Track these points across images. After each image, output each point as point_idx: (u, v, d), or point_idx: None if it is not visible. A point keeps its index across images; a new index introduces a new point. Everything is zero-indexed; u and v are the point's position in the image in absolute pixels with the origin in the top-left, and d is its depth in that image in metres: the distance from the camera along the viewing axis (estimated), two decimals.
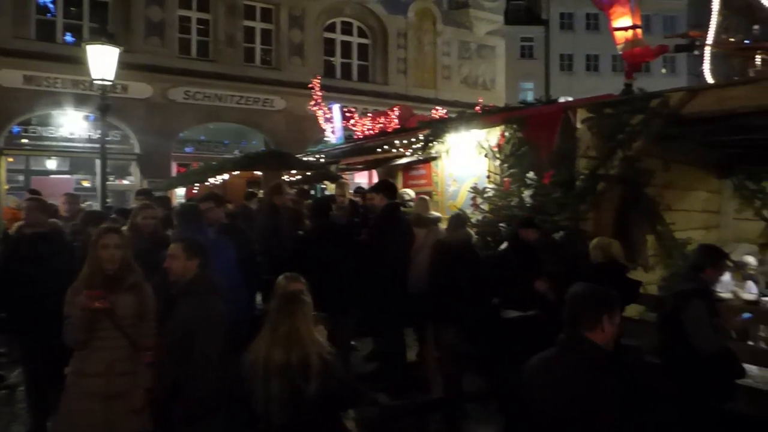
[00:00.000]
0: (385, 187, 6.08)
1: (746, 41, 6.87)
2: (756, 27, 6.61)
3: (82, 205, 8.56)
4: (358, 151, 10.50)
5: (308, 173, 10.18)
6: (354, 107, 15.58)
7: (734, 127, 5.68)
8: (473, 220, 7.33)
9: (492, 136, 7.57)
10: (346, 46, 19.85)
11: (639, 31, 7.69)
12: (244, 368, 2.81)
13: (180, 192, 15.11)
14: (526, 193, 6.73)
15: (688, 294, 4.04)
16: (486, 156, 7.53)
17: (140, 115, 16.03)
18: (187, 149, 17.85)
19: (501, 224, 6.65)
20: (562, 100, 8.60)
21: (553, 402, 2.58)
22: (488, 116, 8.39)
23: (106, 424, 3.20)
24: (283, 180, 9.07)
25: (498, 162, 7.35)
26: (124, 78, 14.06)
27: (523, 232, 5.43)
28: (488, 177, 7.49)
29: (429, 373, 5.96)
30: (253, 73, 17.70)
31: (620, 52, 7.92)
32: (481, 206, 7.28)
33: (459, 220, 5.86)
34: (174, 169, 16.85)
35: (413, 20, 20.25)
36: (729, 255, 5.01)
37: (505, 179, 7.16)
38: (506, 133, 7.30)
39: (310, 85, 14.36)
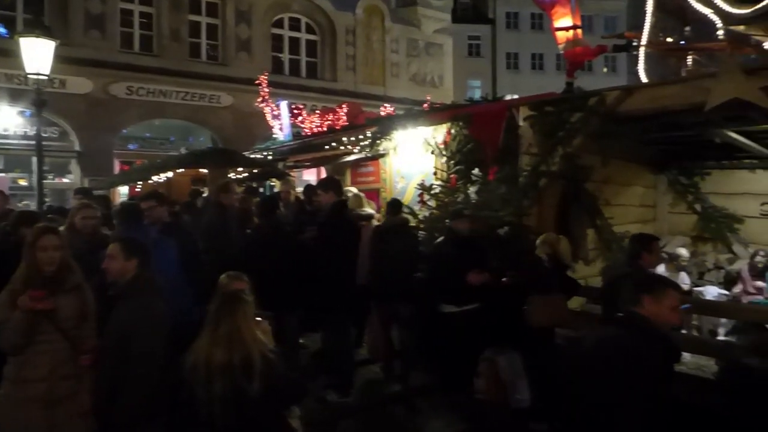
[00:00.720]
0: (333, 184, 6.07)
1: (681, 42, 7.18)
2: (687, 28, 6.91)
3: (19, 205, 8.21)
4: (306, 148, 10.45)
5: (255, 171, 10.05)
6: (302, 104, 15.47)
7: (667, 124, 5.93)
8: (420, 217, 7.42)
9: (439, 133, 7.67)
10: (295, 43, 19.67)
11: (579, 31, 7.88)
12: (185, 370, 2.76)
13: (123, 191, 14.68)
14: (472, 190, 6.85)
15: (624, 277, 4.23)
16: (433, 153, 7.62)
17: (80, 110, 15.46)
18: (131, 146, 17.34)
19: (447, 220, 6.74)
20: (508, 97, 8.78)
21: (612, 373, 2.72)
22: (435, 113, 8.49)
23: (50, 431, 3.10)
24: (231, 178, 8.93)
25: (444, 159, 7.45)
26: (63, 72, 13.54)
27: (455, 224, 5.52)
28: (435, 174, 7.58)
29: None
30: (198, 69, 17.33)
31: (562, 52, 8.11)
32: (428, 203, 7.36)
33: (395, 205, 6.28)
34: (117, 167, 16.33)
35: (361, 17, 20.24)
36: (659, 239, 5.23)
37: (452, 176, 7.27)
38: (452, 131, 7.41)
39: (257, 82, 14.16)
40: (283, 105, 12.73)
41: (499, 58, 34.69)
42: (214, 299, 2.95)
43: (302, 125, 12.30)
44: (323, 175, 10.94)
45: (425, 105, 12.14)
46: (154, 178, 10.32)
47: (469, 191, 6.91)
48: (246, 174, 10.16)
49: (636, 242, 4.57)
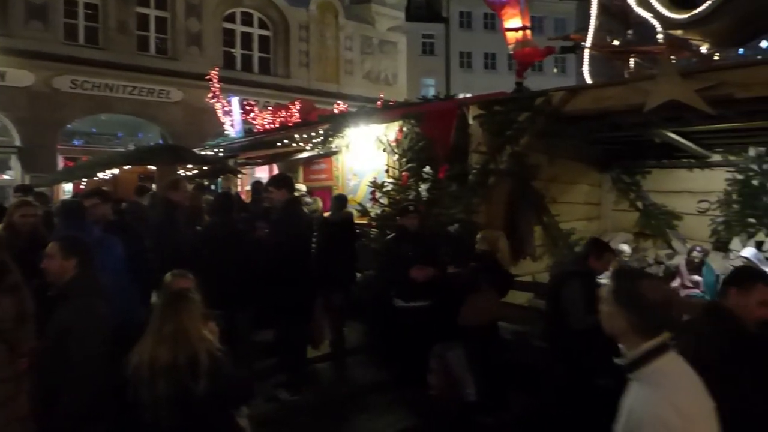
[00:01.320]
0: (286, 181, 6.02)
1: (628, 44, 7.42)
2: (630, 32, 7.15)
3: None
4: (258, 145, 10.36)
5: (205, 168, 9.90)
6: (255, 100, 15.26)
7: (610, 124, 6.12)
8: (372, 214, 7.47)
9: (391, 131, 7.73)
10: (247, 38, 19.40)
11: (528, 32, 8.05)
12: (129, 371, 2.71)
13: (68, 188, 14.19)
14: (423, 187, 6.93)
15: (569, 274, 4.37)
16: (385, 151, 7.67)
17: (21, 104, 14.87)
18: (76, 142, 16.77)
19: (398, 217, 6.79)
20: (462, 96, 8.89)
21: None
22: (387, 111, 8.54)
23: None
24: (181, 175, 8.77)
25: (396, 156, 7.51)
26: (2, 64, 13.00)
27: (403, 220, 5.59)
28: (387, 171, 7.63)
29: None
30: (147, 63, 16.89)
31: (511, 52, 8.26)
32: (380, 200, 7.41)
33: (340, 200, 6.85)
34: (61, 164, 15.77)
35: (315, 13, 20.12)
36: (614, 251, 5.41)
37: (403, 173, 7.34)
38: (404, 128, 7.47)
39: (208, 77, 13.92)
40: (235, 101, 12.56)
41: (453, 57, 34.97)
42: (158, 298, 2.91)
43: (254, 122, 12.15)
44: (276, 172, 10.86)
45: (379, 103, 12.18)
46: (100, 174, 10.03)
47: (420, 189, 6.99)
48: (196, 171, 9.99)
49: (589, 245, 4.70)
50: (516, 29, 7.99)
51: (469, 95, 9.02)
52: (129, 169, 9.60)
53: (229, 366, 2.87)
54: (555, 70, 32.40)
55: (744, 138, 7.32)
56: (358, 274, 7.31)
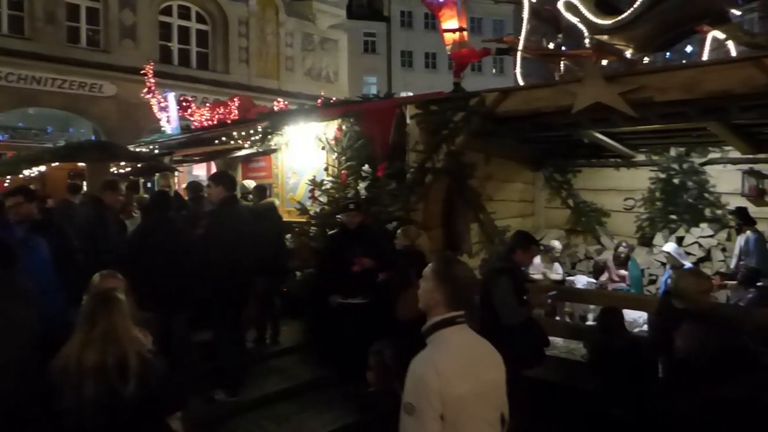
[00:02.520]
0: (225, 178, 5.92)
1: (562, 47, 7.68)
2: (560, 36, 7.42)
3: None
4: (196, 142, 10.14)
5: (139, 165, 9.61)
6: (193, 96, 14.94)
7: (541, 125, 6.34)
8: (312, 212, 7.46)
9: (330, 129, 7.73)
10: (184, 32, 18.90)
11: (465, 33, 8.21)
12: (54, 375, 2.63)
13: None
14: (362, 185, 6.98)
15: (498, 271, 4.51)
16: (324, 149, 7.67)
17: None
18: (0, 137, 15.92)
19: (338, 216, 6.82)
20: (403, 95, 9.00)
21: None
22: (327, 109, 8.55)
23: None
24: (116, 177, 8.49)
25: (335, 155, 7.53)
26: None
27: (343, 218, 5.63)
28: (326, 170, 7.64)
29: None
30: (77, 55, 16.20)
31: (449, 53, 8.41)
32: (320, 198, 7.41)
33: (261, 190, 7.25)
34: None
35: (255, 9, 19.81)
36: (539, 241, 5.61)
37: (342, 171, 7.36)
38: (344, 127, 7.50)
39: (143, 71, 13.50)
40: (171, 96, 12.24)
41: (394, 55, 35.48)
42: (85, 299, 2.83)
43: (191, 118, 11.89)
44: (214, 170, 10.67)
45: (319, 101, 12.15)
46: (26, 172, 9.58)
47: (359, 187, 7.04)
48: (129, 168, 9.69)
49: (516, 238, 4.83)
50: (453, 30, 8.14)
51: (410, 94, 9.15)
52: (58, 166, 9.22)
53: (161, 368, 2.82)
54: (494, 71, 33.07)
55: (665, 139, 7.74)
56: (298, 273, 7.31)
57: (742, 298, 5.95)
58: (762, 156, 7.48)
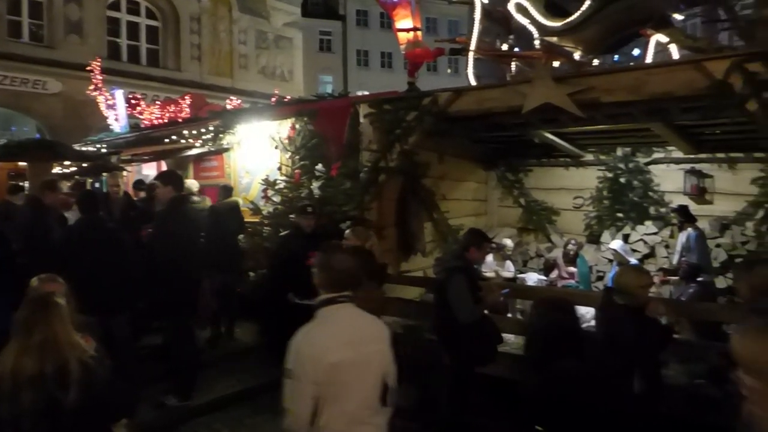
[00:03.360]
0: (173, 178, 5.79)
1: (515, 49, 7.79)
2: (511, 37, 7.53)
3: None
4: (145, 141, 9.89)
5: (84, 164, 9.31)
6: (143, 93, 14.56)
7: (492, 124, 6.43)
8: (265, 212, 7.38)
9: (284, 128, 7.66)
10: (133, 27, 18.39)
11: (419, 33, 8.24)
12: None
13: None
14: (315, 185, 6.94)
15: (452, 270, 4.55)
16: (277, 148, 7.59)
17: None
18: None
19: (292, 216, 6.77)
20: (359, 93, 8.97)
21: None
22: (280, 108, 8.46)
23: None
24: (57, 175, 8.20)
25: (289, 154, 7.47)
26: None
27: (299, 220, 5.58)
28: (280, 169, 7.56)
29: None
30: (20, 51, 15.54)
31: (403, 52, 8.43)
32: (273, 198, 7.34)
33: (227, 189, 7.40)
34: None
35: (207, 5, 19.43)
36: (491, 238, 5.69)
37: (296, 171, 7.30)
38: (297, 126, 7.44)
39: (89, 68, 13.07)
40: (119, 94, 11.89)
41: (350, 54, 35.23)
42: (23, 305, 2.72)
43: (141, 116, 11.57)
44: (164, 169, 10.43)
45: (273, 99, 12.00)
46: None
47: (312, 187, 7.00)
48: (74, 168, 9.37)
49: (469, 236, 4.88)
50: (407, 30, 8.16)
51: (366, 93, 9.13)
52: None
53: (104, 374, 2.74)
54: (449, 71, 33.38)
55: (612, 139, 7.96)
56: (251, 273, 7.23)
57: (684, 293, 6.19)
58: (703, 156, 7.77)
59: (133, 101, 11.98)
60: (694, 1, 7.31)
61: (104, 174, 9.66)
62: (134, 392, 4.98)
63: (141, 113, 11.63)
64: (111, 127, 12.17)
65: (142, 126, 11.25)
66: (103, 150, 10.10)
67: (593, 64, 7.30)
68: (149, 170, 12.04)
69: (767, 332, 1.67)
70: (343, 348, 2.56)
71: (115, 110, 11.85)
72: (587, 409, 2.49)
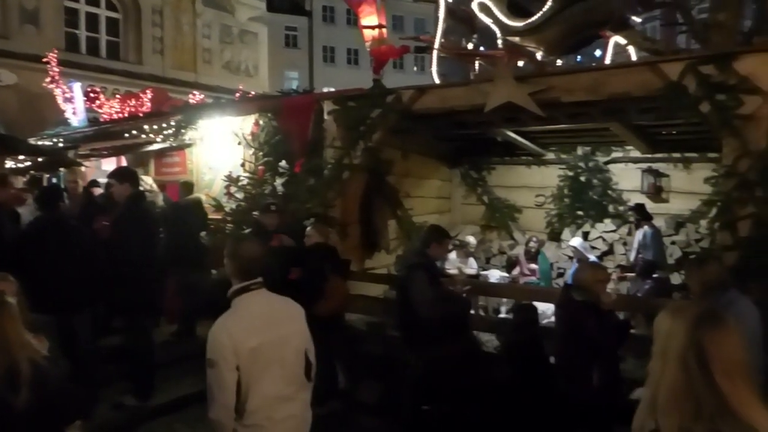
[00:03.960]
0: (128, 175, 5.67)
1: (480, 48, 7.87)
2: (475, 36, 7.61)
3: None
4: (104, 135, 9.66)
5: (40, 159, 9.04)
6: (103, 87, 14.19)
7: (455, 123, 6.49)
8: (227, 209, 7.30)
9: (247, 124, 7.58)
10: (93, 19, 17.89)
11: (384, 30, 8.24)
12: None
13: None
14: (279, 182, 6.90)
15: (413, 267, 4.58)
16: (240, 144, 7.51)
17: None
18: None
19: (255, 213, 6.71)
20: (325, 90, 8.92)
21: None
22: (243, 104, 8.38)
23: None
24: (8, 170, 7.94)
25: (252, 150, 7.40)
26: None
27: (263, 218, 5.54)
28: (243, 165, 7.48)
29: None
30: None
31: (368, 49, 8.43)
32: (236, 195, 7.27)
33: (188, 185, 7.32)
34: None
35: None
36: (450, 234, 5.73)
37: (260, 167, 7.24)
38: (261, 122, 7.37)
39: (46, 59, 12.68)
40: (77, 87, 11.59)
41: (316, 51, 35.22)
42: None
43: (100, 110, 11.30)
44: (124, 164, 10.21)
45: (237, 95, 11.85)
46: None
47: (276, 183, 6.95)
48: (29, 163, 9.09)
49: (429, 233, 4.92)
50: (372, 27, 8.16)
51: (332, 89, 9.10)
52: None
53: (58, 375, 2.68)
54: (415, 69, 33.46)
55: (573, 138, 8.12)
56: (214, 271, 7.15)
57: (640, 289, 6.35)
58: (659, 156, 7.98)
59: (91, 95, 11.70)
60: (652, 4, 7.49)
61: (61, 169, 9.39)
62: (91, 393, 4.89)
63: (100, 107, 11.36)
64: (69, 121, 11.85)
65: (102, 120, 10.99)
66: (60, 144, 9.82)
67: (557, 63, 7.43)
68: (109, 165, 11.77)
69: (672, 313, 1.79)
70: (261, 332, 2.72)
71: (73, 104, 11.54)
72: (466, 388, 2.82)
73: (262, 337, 2.72)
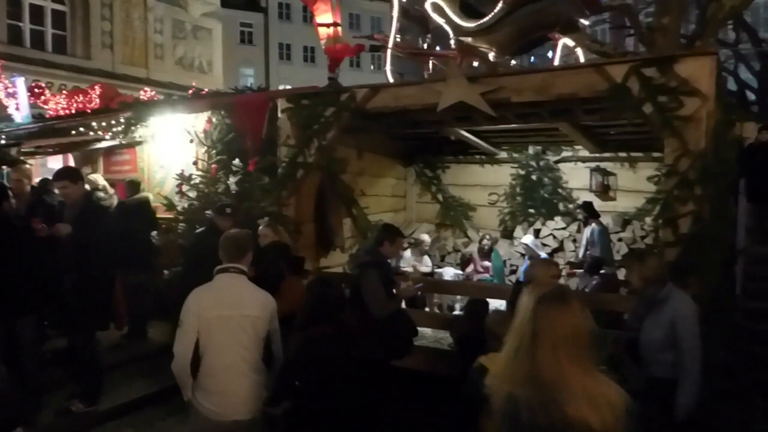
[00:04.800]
0: (78, 174, 5.49)
1: (437, 48, 7.94)
2: (428, 36, 7.69)
3: None
4: (50, 132, 9.33)
5: None
6: (50, 82, 13.75)
7: (409, 121, 6.53)
8: (179, 208, 7.17)
9: (200, 121, 7.45)
10: (37, 11, 17.24)
11: (339, 29, 8.22)
12: None
13: None
14: (232, 180, 6.82)
15: (365, 265, 4.60)
16: (192, 142, 7.38)
17: None
18: None
19: (207, 211, 6.62)
20: (281, 87, 8.83)
21: None
22: (196, 101, 8.23)
23: None
24: None
25: (205, 148, 7.28)
26: None
27: (217, 220, 5.46)
28: (195, 163, 7.36)
29: None
30: None
31: (323, 48, 8.40)
32: (188, 193, 7.15)
33: (134, 184, 7.32)
34: None
35: None
36: (404, 232, 5.78)
37: (213, 166, 7.14)
38: (214, 119, 7.27)
39: None
40: (20, 82, 11.13)
41: (272, 48, 34.82)
42: None
43: (45, 106, 10.90)
44: (71, 162, 9.90)
45: (190, 91, 11.62)
46: None
47: (229, 182, 6.87)
48: None
49: (383, 231, 4.96)
50: (327, 25, 8.13)
51: (288, 87, 9.04)
52: None
53: None
54: (372, 67, 33.41)
55: (524, 137, 8.29)
56: (166, 271, 7.03)
57: (588, 285, 6.53)
58: (607, 155, 8.23)
59: (36, 90, 11.26)
60: (599, 8, 7.70)
61: (3, 167, 9.04)
62: (34, 398, 4.75)
63: (46, 103, 10.94)
64: (11, 117, 11.40)
65: (47, 116, 10.61)
66: (2, 141, 9.44)
67: (512, 64, 7.57)
68: (55, 163, 11.40)
69: (530, 291, 2.10)
70: (225, 307, 3.21)
71: (16, 99, 11.09)
72: (338, 369, 3.08)
73: (225, 311, 3.19)
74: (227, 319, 3.19)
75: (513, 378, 1.94)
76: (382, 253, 4.73)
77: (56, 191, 6.92)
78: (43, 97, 11.03)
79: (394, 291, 4.67)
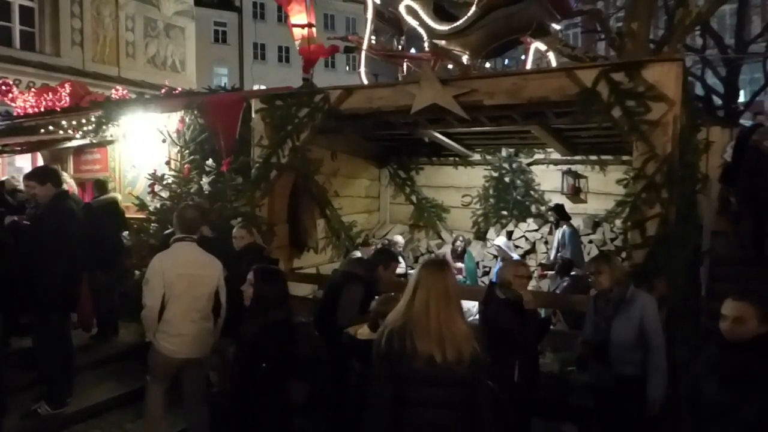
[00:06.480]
0: (50, 174, 5.39)
1: (412, 50, 7.96)
2: (403, 38, 7.73)
3: None
4: (17, 130, 9.14)
5: None
6: (17, 79, 13.47)
7: (382, 123, 6.56)
8: (151, 208, 7.10)
9: (173, 120, 7.39)
10: (5, 7, 16.84)
11: (313, 29, 8.24)
12: None
13: None
14: (205, 180, 6.77)
15: (357, 278, 4.61)
16: (164, 141, 7.31)
17: None
18: None
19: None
20: (255, 87, 8.77)
21: None
22: (168, 100, 8.15)
23: None
24: None
25: (178, 148, 7.22)
26: None
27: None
28: (168, 163, 7.29)
29: None
30: None
31: (298, 48, 8.39)
32: (161, 193, 7.08)
33: (101, 184, 7.38)
34: None
35: None
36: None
37: (186, 166, 7.08)
38: (187, 119, 7.21)
39: None
40: None
41: (247, 47, 34.57)
42: None
43: (13, 104, 10.68)
44: (40, 161, 9.72)
45: (163, 90, 11.49)
46: None
47: (202, 182, 6.81)
48: None
49: (379, 255, 5.10)
50: (302, 26, 8.14)
51: (262, 87, 8.99)
52: None
53: None
54: (347, 68, 33.41)
55: (496, 140, 8.38)
56: (137, 272, 6.94)
57: (559, 286, 6.64)
58: (578, 158, 8.37)
59: (3, 87, 11.03)
60: (571, 12, 7.81)
61: None
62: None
63: (13, 100, 10.73)
64: None
65: (15, 114, 10.39)
66: None
67: (486, 67, 7.64)
68: (23, 162, 11.19)
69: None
70: (182, 267, 4.10)
71: None
72: (292, 352, 3.56)
73: (183, 270, 4.08)
74: (184, 277, 4.06)
75: (394, 318, 2.58)
76: (375, 274, 4.74)
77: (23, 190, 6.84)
78: (10, 95, 10.83)
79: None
